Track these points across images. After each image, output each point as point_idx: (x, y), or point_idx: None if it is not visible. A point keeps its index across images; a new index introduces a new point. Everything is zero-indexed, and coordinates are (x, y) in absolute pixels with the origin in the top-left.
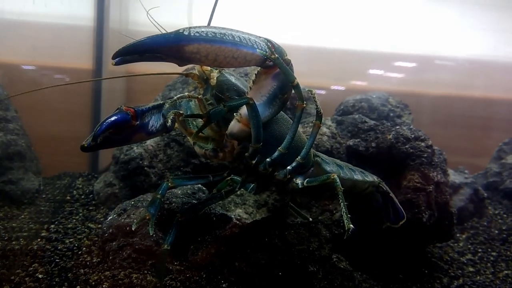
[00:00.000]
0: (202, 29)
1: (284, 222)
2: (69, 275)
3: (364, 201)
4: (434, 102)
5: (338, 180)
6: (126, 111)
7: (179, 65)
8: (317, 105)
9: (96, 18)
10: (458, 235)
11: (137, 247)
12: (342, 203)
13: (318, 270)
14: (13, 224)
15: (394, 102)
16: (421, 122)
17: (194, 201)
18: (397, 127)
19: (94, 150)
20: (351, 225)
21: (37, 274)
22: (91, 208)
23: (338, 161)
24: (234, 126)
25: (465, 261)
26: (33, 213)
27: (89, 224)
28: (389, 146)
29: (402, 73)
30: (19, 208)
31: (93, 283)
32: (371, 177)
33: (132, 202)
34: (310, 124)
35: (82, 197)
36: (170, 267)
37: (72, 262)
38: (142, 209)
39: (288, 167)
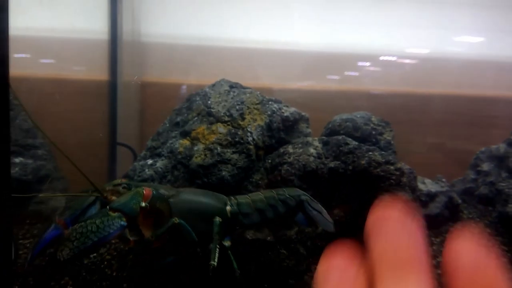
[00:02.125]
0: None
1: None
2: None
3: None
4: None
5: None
6: (57, 224)
7: None
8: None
9: (110, 31)
10: (433, 239)
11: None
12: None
13: (297, 282)
14: None
15: (376, 120)
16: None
17: None
18: (370, 153)
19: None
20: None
21: (68, 286)
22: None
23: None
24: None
25: (436, 264)
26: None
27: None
28: (362, 170)
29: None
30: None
31: None
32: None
33: None
34: (300, 144)
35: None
36: None
37: (96, 276)
38: None
39: None
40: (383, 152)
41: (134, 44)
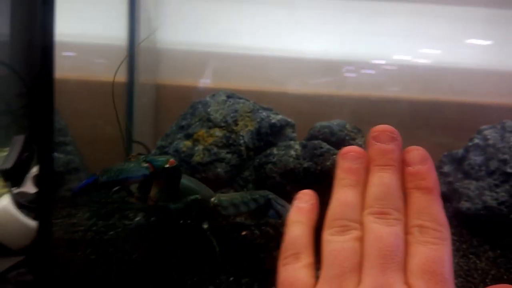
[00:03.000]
0: (106, 176)
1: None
2: (111, 258)
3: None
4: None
5: None
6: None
7: None
8: None
9: (129, 38)
10: None
11: (158, 240)
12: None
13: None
14: (74, 221)
15: (350, 127)
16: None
17: None
18: (335, 155)
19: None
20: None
21: (91, 256)
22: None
23: None
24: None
25: None
26: (86, 213)
27: (124, 221)
28: (327, 170)
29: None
30: (76, 208)
31: (126, 264)
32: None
33: None
34: (283, 147)
35: (119, 200)
36: None
37: (112, 248)
38: None
39: None
40: None
41: (150, 50)
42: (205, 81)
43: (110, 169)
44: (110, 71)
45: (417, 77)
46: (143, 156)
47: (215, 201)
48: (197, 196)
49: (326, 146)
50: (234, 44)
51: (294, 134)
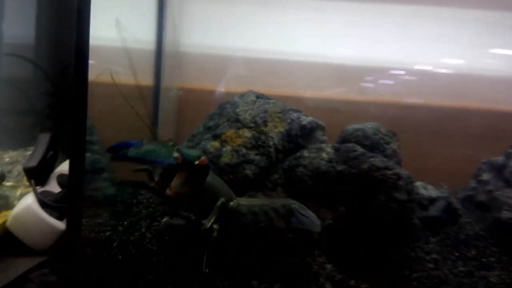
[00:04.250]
0: (135, 152)
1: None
2: (138, 257)
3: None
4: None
5: None
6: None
7: None
8: None
9: (156, 42)
10: (430, 238)
11: (184, 240)
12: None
13: (300, 261)
14: (99, 221)
15: (384, 131)
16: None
17: None
18: (372, 158)
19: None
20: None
21: (117, 256)
22: (150, 209)
23: None
24: (167, 191)
25: (429, 259)
26: (111, 213)
27: (152, 224)
28: (364, 173)
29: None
30: (102, 208)
31: (153, 263)
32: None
33: None
34: (314, 150)
35: (144, 201)
36: None
37: (141, 249)
38: None
39: None
40: (384, 159)
41: (174, 54)
42: (227, 85)
43: (142, 147)
44: (140, 75)
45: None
46: (176, 144)
47: (234, 206)
48: (222, 200)
49: (360, 149)
50: (254, 48)
51: (325, 137)
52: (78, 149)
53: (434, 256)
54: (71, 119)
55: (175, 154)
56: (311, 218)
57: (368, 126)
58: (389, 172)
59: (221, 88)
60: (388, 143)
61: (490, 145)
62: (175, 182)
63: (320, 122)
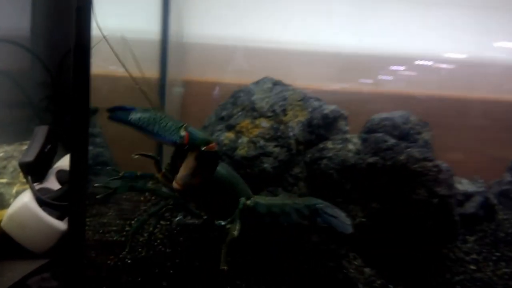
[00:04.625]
0: (137, 117)
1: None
2: (149, 261)
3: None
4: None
5: None
6: None
7: None
8: None
9: (162, 33)
10: (467, 237)
11: (199, 242)
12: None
13: (336, 265)
14: (104, 220)
15: (414, 120)
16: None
17: None
18: (409, 149)
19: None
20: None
21: (126, 260)
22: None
23: None
24: (174, 184)
25: (469, 260)
26: (117, 211)
27: (160, 222)
28: (401, 165)
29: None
30: (107, 206)
31: (167, 267)
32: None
33: None
34: (339, 141)
35: (153, 198)
36: None
37: (151, 252)
38: None
39: None
40: (422, 149)
41: (178, 45)
42: (233, 77)
43: (148, 113)
44: (145, 66)
45: None
46: (188, 125)
47: (251, 204)
48: (244, 201)
49: (391, 139)
50: (261, 38)
51: (347, 128)
52: (81, 140)
53: (474, 256)
54: (72, 108)
55: (183, 132)
56: (341, 218)
57: (397, 115)
58: (430, 164)
59: (226, 80)
60: (419, 133)
61: None
62: (182, 172)
63: (342, 111)
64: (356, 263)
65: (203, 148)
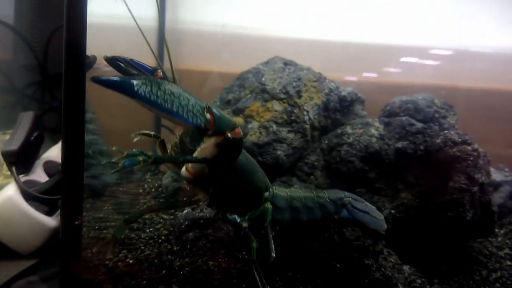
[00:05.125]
0: (149, 89)
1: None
2: (155, 261)
3: None
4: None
5: None
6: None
7: None
8: None
9: (159, 18)
10: (496, 230)
11: (211, 238)
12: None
13: (373, 263)
14: (100, 215)
15: (439, 103)
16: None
17: None
18: (445, 131)
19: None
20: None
21: (127, 260)
22: (161, 200)
23: None
24: (183, 171)
25: (503, 255)
26: (114, 205)
27: (163, 215)
28: (437, 150)
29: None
30: (102, 200)
31: (177, 268)
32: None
33: None
34: (359, 125)
35: (153, 190)
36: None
37: (156, 250)
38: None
39: None
40: (459, 132)
41: (173, 31)
42: (230, 65)
43: (162, 85)
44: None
45: None
46: (209, 105)
47: (269, 197)
48: (267, 196)
49: (417, 123)
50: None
51: (365, 112)
52: (75, 123)
53: (507, 251)
54: (64, 88)
55: (208, 116)
56: (372, 214)
57: (419, 97)
58: (469, 148)
59: (224, 69)
60: (444, 117)
61: None
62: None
63: (360, 94)
64: (392, 260)
65: (228, 134)
